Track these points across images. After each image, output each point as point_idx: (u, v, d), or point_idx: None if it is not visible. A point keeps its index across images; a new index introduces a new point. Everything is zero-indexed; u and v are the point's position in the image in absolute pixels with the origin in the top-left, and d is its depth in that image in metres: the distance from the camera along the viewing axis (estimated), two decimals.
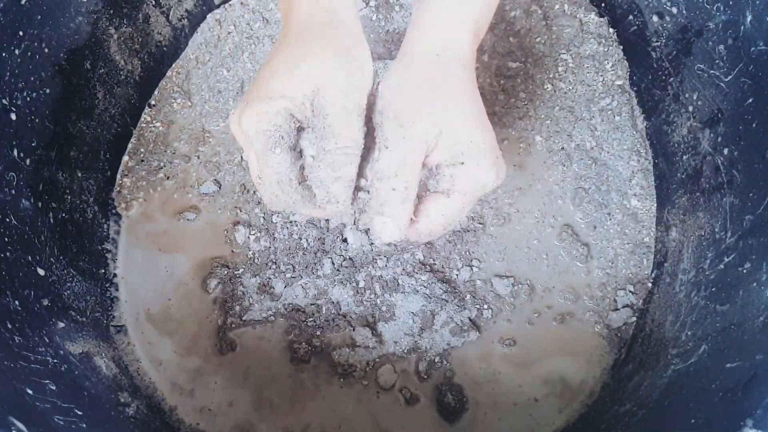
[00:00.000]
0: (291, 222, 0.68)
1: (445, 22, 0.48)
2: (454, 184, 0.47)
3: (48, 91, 0.59)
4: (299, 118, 0.46)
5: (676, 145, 0.65)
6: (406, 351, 0.63)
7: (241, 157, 0.72)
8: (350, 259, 0.66)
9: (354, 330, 0.64)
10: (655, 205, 0.69)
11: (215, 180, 0.71)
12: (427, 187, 0.49)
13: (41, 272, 0.57)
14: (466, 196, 0.48)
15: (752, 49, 0.52)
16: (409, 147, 0.45)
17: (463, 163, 0.46)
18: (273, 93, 0.45)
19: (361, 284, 0.65)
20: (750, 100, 0.53)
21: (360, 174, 0.49)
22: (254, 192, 0.70)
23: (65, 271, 0.61)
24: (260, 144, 0.45)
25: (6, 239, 0.53)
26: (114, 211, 0.70)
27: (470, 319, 0.64)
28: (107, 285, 0.67)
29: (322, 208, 0.49)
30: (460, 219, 0.51)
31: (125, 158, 0.73)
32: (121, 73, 0.71)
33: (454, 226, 0.51)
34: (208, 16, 0.79)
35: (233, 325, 0.65)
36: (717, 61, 0.57)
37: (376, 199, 0.47)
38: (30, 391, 0.46)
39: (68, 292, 0.60)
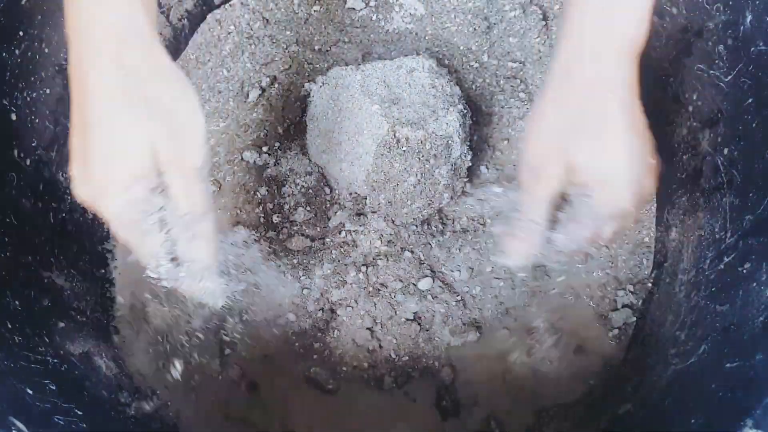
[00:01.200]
0: (290, 222, 0.68)
1: (595, 49, 0.45)
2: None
3: (48, 91, 0.59)
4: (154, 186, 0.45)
5: (676, 145, 0.65)
6: (406, 352, 0.63)
7: (242, 157, 0.72)
8: (350, 258, 0.66)
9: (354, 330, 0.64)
10: (655, 205, 0.69)
11: (215, 180, 0.71)
12: None
13: (41, 272, 0.57)
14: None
15: (752, 49, 0.52)
16: (543, 193, 0.49)
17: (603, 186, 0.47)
18: (112, 184, 0.44)
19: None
20: (750, 100, 0.53)
21: None
22: (254, 192, 0.70)
23: (65, 271, 0.61)
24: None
25: (6, 239, 0.53)
26: None
27: (470, 319, 0.64)
28: (107, 285, 0.67)
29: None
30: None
31: None
32: None
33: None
34: (208, 16, 0.78)
35: None
36: (717, 61, 0.57)
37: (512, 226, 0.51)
38: (30, 391, 0.46)
39: (68, 292, 0.60)
